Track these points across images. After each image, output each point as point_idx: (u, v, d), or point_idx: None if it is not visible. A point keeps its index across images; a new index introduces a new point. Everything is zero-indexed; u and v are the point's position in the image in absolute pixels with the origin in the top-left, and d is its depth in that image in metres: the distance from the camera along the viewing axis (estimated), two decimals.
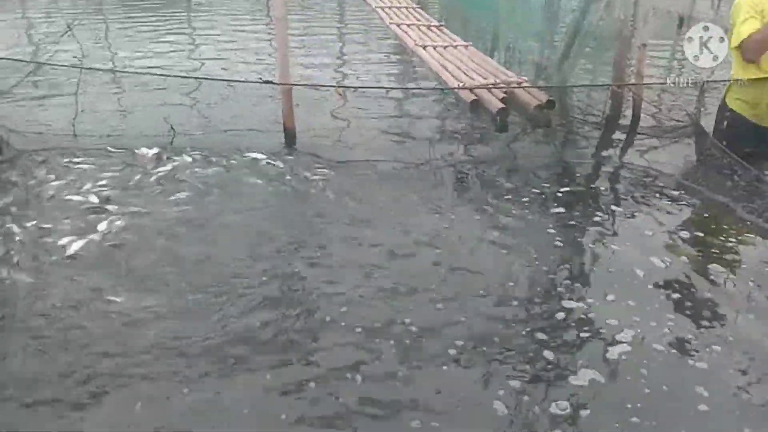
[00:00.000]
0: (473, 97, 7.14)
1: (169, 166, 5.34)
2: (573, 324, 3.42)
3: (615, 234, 4.52)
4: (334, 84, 8.07)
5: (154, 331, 3.34)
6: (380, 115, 7.06)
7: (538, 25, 9.08)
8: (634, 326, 3.41)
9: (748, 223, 4.66)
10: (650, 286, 3.79)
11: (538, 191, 5.17)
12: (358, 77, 8.55)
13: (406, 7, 12.56)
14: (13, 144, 5.77)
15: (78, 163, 5.42)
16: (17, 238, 4.25)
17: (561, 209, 4.87)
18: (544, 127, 6.76)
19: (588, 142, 6.55)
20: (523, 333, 3.33)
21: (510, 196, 5.06)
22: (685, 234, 4.49)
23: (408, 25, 10.94)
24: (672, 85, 5.54)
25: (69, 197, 4.82)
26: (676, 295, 3.73)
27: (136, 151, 5.46)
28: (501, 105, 6.85)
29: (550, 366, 3.09)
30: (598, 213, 4.86)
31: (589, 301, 3.64)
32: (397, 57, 9.85)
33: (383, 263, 4.02)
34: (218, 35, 10.32)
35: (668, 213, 4.86)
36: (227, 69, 8.38)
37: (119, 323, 3.42)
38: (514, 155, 6.16)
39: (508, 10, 10.32)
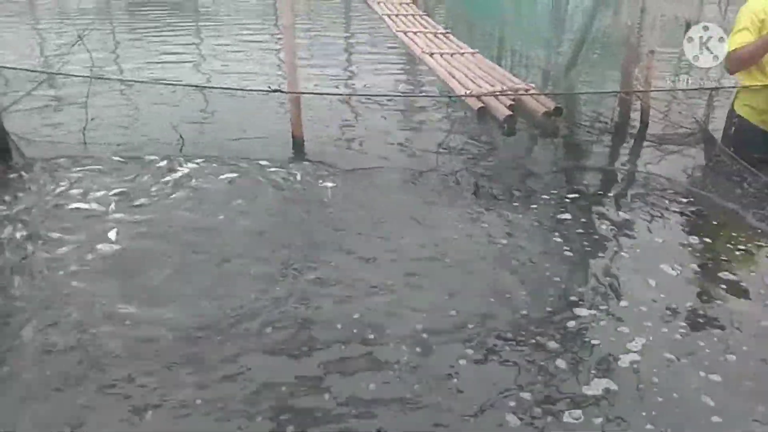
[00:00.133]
0: (480, 105, 7.16)
1: (178, 174, 5.36)
2: (584, 332, 3.41)
3: (624, 241, 4.51)
4: (342, 92, 8.10)
5: (165, 342, 3.35)
6: (387, 123, 7.08)
7: (545, 31, 9.11)
8: (645, 334, 3.40)
9: (758, 230, 4.64)
10: (661, 294, 3.78)
11: (546, 198, 5.18)
12: (365, 85, 8.58)
13: (413, 15, 12.63)
14: (24, 152, 5.82)
15: (88, 171, 5.45)
16: (28, 247, 4.27)
17: (569, 216, 4.87)
18: (552, 134, 6.76)
19: (596, 148, 6.55)
20: (534, 342, 3.32)
21: (518, 204, 5.07)
22: (694, 241, 4.48)
23: (415, 33, 11.00)
24: (680, 91, 5.54)
25: (79, 206, 4.85)
26: (687, 303, 3.72)
27: None
28: (508, 112, 6.87)
29: (562, 375, 3.08)
30: (606, 220, 4.85)
31: (601, 308, 3.63)
32: (404, 65, 9.88)
33: (392, 272, 4.01)
34: (227, 44, 10.39)
35: (677, 220, 4.86)
36: (235, 78, 8.42)
37: (130, 334, 3.43)
38: (522, 162, 6.16)
39: (515, 17, 10.38)
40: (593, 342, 3.33)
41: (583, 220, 4.82)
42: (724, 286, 3.91)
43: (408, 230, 4.58)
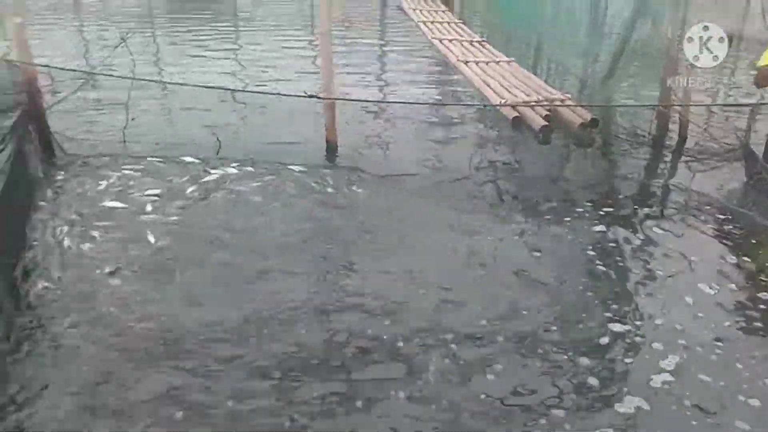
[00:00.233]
0: (515, 114, 7.12)
1: (214, 177, 5.45)
2: (618, 349, 3.37)
3: (659, 258, 4.44)
4: (376, 99, 8.12)
5: (204, 347, 3.39)
6: (421, 130, 7.09)
7: (583, 41, 9.02)
8: (679, 353, 3.35)
9: None
10: (698, 313, 3.71)
11: (580, 211, 5.12)
12: (399, 92, 8.60)
13: (449, 23, 12.63)
14: (66, 149, 5.98)
15: (127, 171, 5.57)
16: (68, 243, 4.38)
17: (603, 229, 4.81)
18: (588, 145, 6.69)
19: (632, 162, 6.45)
20: (567, 358, 3.28)
21: (551, 216, 5.02)
22: (733, 260, 4.39)
23: (450, 41, 10.99)
24: (720, 106, 5.44)
25: (117, 204, 4.96)
26: (725, 324, 3.64)
27: None
28: (544, 123, 6.81)
29: (594, 393, 3.04)
30: (641, 235, 4.78)
31: (635, 325, 3.58)
32: (439, 72, 9.88)
33: (423, 282, 4.01)
34: (264, 49, 10.51)
35: (715, 238, 4.76)
36: (271, 82, 8.51)
37: (166, 334, 3.50)
38: (556, 174, 6.11)
39: (552, 26, 10.29)
40: (626, 359, 3.29)
41: (617, 234, 4.76)
42: (763, 307, 3.82)
43: (440, 240, 4.57)
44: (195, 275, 4.04)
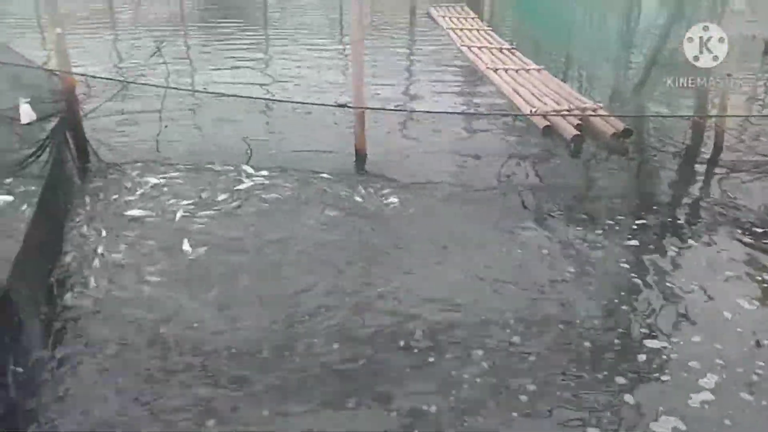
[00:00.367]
0: (546, 123, 7.06)
1: (245, 186, 5.49)
2: (654, 366, 3.30)
3: (696, 272, 4.34)
4: (406, 108, 8.11)
5: (236, 357, 3.42)
6: (450, 139, 7.05)
7: (614, 48, 8.92)
8: (718, 371, 3.27)
9: None
10: (738, 329, 3.62)
11: (612, 223, 5.04)
12: (428, 100, 8.57)
13: (478, 29, 12.58)
14: (102, 156, 6.08)
15: (160, 178, 5.64)
16: (103, 249, 4.44)
17: (636, 242, 4.73)
18: (620, 155, 6.59)
19: (666, 172, 6.34)
20: (602, 376, 3.22)
21: (582, 228, 4.95)
22: None
23: (479, 48, 10.94)
24: (758, 117, 5.33)
25: (150, 212, 5.03)
26: (767, 341, 3.54)
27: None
28: (575, 132, 6.74)
29: (630, 411, 2.99)
30: (675, 248, 4.69)
31: (672, 341, 3.51)
32: (468, 80, 9.84)
33: (454, 294, 3.98)
34: (294, 58, 10.57)
35: (753, 252, 4.64)
36: (300, 91, 8.55)
37: (200, 343, 3.53)
38: (588, 184, 6.04)
39: (583, 33, 10.19)
40: (663, 377, 3.22)
41: (650, 248, 4.68)
42: None
43: (470, 250, 4.54)
44: (228, 284, 4.07)
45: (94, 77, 6.37)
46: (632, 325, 3.68)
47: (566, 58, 10.54)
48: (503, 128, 7.55)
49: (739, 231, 4.97)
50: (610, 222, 5.05)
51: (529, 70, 9.39)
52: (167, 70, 6.75)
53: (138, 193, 5.37)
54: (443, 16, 13.94)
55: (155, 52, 6.61)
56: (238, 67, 9.91)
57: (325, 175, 5.77)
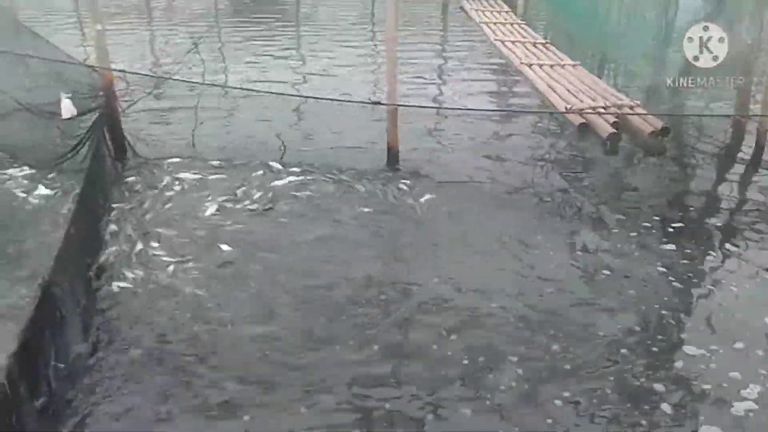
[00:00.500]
0: (582, 120, 6.96)
1: (279, 183, 5.53)
2: (694, 374, 3.23)
3: (735, 276, 4.25)
4: (440, 106, 8.06)
5: (270, 356, 3.45)
6: (482, 136, 6.98)
7: (652, 44, 8.71)
8: (761, 381, 3.19)
9: None
10: None
11: (648, 226, 4.94)
12: (462, 97, 8.49)
13: (512, 24, 12.42)
14: (138, 151, 6.18)
15: (195, 173, 5.71)
16: (140, 245, 4.52)
17: (673, 246, 4.63)
18: (658, 155, 6.45)
19: (704, 173, 6.19)
20: (639, 383, 3.17)
21: (618, 230, 4.87)
22: None
23: (513, 42, 10.81)
24: None
25: (186, 208, 5.10)
26: None
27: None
28: (612, 130, 6.62)
29: (668, 421, 2.93)
30: (713, 252, 4.59)
31: (712, 348, 3.43)
32: (502, 76, 9.72)
33: (492, 300, 3.94)
34: (326, 54, 10.56)
35: None
36: (333, 86, 8.55)
37: (235, 341, 3.57)
38: (623, 185, 5.92)
39: (619, 28, 9.99)
40: (703, 386, 3.15)
41: (688, 251, 4.58)
42: None
43: (504, 253, 4.51)
44: (263, 283, 4.11)
45: (133, 73, 6.45)
46: (670, 331, 3.61)
47: (602, 53, 10.34)
48: (537, 126, 7.45)
49: None
50: (647, 224, 4.96)
51: (564, 65, 9.26)
52: (203, 67, 6.80)
53: (174, 189, 5.45)
54: (476, 10, 13.79)
55: (192, 49, 6.67)
56: (271, 66, 9.92)
57: (357, 172, 5.78)
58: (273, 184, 5.50)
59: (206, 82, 6.75)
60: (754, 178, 6.06)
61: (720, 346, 3.46)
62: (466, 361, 3.34)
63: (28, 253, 4.37)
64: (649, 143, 6.55)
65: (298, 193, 5.35)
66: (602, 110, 7.09)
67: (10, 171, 5.66)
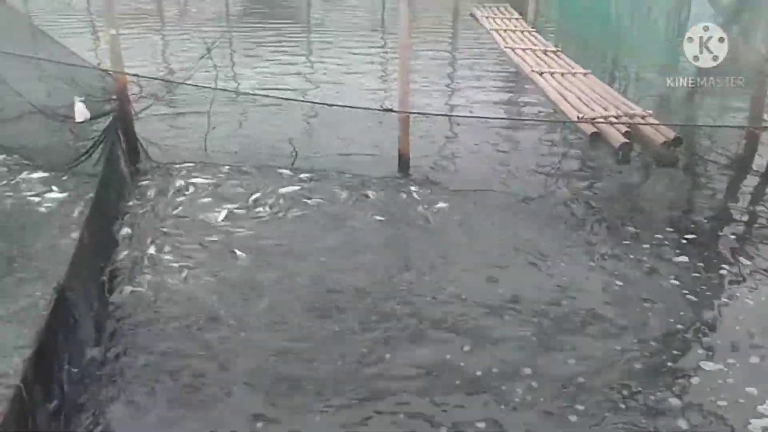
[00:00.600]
0: (594, 130, 6.94)
1: (291, 189, 5.53)
2: (710, 390, 3.21)
3: (749, 290, 4.21)
4: (451, 113, 8.04)
5: (285, 367, 3.44)
6: (494, 144, 6.97)
7: (664, 53, 8.68)
8: None
9: None
10: None
11: (660, 237, 4.91)
12: (472, 104, 8.48)
13: (522, 31, 12.42)
14: (151, 155, 6.20)
15: (208, 178, 5.73)
16: (152, 250, 4.53)
17: (685, 258, 4.60)
18: (670, 165, 6.42)
19: (717, 184, 6.15)
20: (655, 398, 3.15)
21: (630, 242, 4.84)
22: None
23: (524, 50, 10.80)
24: None
25: (199, 213, 5.11)
26: None
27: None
28: (624, 140, 6.60)
29: None
30: (726, 265, 4.55)
31: (729, 363, 3.41)
32: (512, 84, 9.71)
33: (506, 312, 3.93)
34: (336, 58, 10.59)
35: None
36: (344, 92, 8.56)
37: (250, 350, 3.57)
38: (636, 195, 5.88)
39: (631, 36, 9.96)
40: (719, 402, 3.13)
41: (702, 263, 4.54)
42: None
43: (517, 263, 4.50)
44: (276, 290, 4.11)
45: (146, 77, 6.47)
46: (685, 346, 3.58)
47: (613, 61, 10.32)
48: (548, 134, 7.43)
49: None
50: (659, 236, 4.93)
51: (575, 73, 9.23)
52: (216, 72, 6.83)
53: (186, 193, 5.47)
54: (487, 17, 13.80)
55: (204, 54, 6.70)
56: (282, 72, 9.94)
57: (369, 179, 5.78)
58: (284, 190, 5.51)
59: (218, 87, 6.75)
60: (767, 191, 6.02)
61: (736, 360, 3.43)
62: (479, 373, 3.32)
63: (41, 256, 4.40)
64: (661, 153, 6.52)
65: (309, 200, 5.35)
66: (614, 119, 7.07)
67: (24, 174, 5.70)
